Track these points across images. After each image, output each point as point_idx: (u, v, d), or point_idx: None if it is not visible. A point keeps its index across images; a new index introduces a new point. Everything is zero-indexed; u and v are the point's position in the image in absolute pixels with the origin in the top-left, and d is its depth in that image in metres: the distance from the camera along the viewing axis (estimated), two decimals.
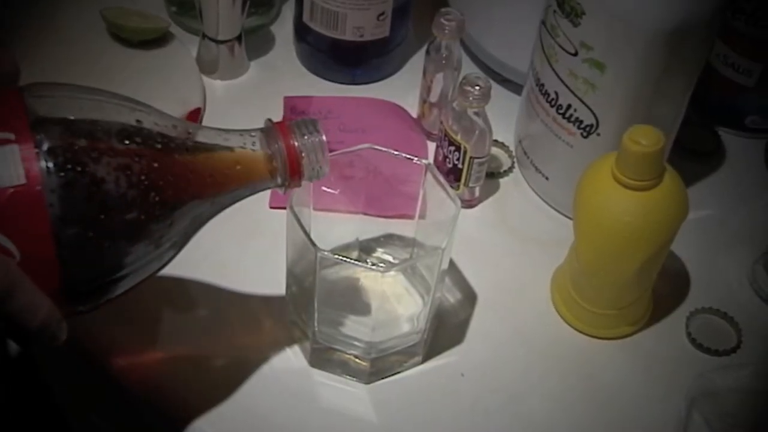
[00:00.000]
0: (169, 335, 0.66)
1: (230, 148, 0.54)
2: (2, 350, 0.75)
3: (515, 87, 0.82)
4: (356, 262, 0.61)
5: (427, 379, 0.65)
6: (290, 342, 0.66)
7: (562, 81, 0.70)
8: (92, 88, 0.52)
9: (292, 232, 0.61)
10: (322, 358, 0.64)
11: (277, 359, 0.65)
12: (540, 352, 0.68)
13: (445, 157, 0.73)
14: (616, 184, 0.63)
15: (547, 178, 0.76)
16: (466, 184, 0.74)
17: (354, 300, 0.64)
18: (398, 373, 0.65)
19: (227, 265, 0.69)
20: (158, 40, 0.83)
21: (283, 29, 0.87)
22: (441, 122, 0.73)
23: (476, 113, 0.71)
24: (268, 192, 0.56)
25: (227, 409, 0.62)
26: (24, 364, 0.77)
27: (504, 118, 0.78)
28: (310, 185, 0.61)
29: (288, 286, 0.65)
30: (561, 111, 0.71)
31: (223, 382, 0.63)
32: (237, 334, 0.66)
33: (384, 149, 0.63)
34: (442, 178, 0.63)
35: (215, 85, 0.82)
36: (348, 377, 0.65)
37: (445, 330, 0.68)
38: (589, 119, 0.70)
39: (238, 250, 0.70)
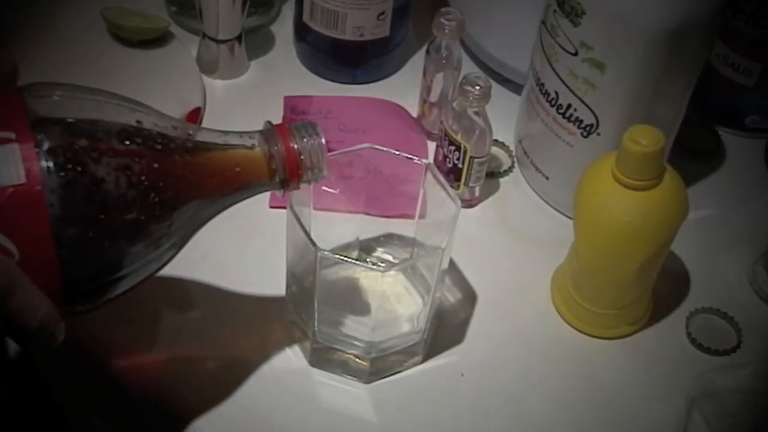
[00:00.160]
0: (169, 335, 0.66)
1: (230, 150, 0.54)
2: (2, 350, 0.75)
3: (515, 87, 0.82)
4: (356, 262, 0.61)
5: (427, 379, 0.65)
6: (290, 342, 0.66)
7: (562, 81, 0.70)
8: (92, 89, 0.52)
9: (292, 231, 0.61)
10: (322, 357, 0.64)
11: (277, 359, 0.65)
12: (540, 351, 0.68)
13: (445, 156, 0.73)
14: (616, 184, 0.63)
15: (547, 178, 0.76)
16: (466, 184, 0.74)
17: (354, 300, 0.64)
18: (398, 372, 0.65)
19: (227, 266, 0.69)
20: (158, 40, 0.83)
21: (283, 29, 0.87)
22: (441, 122, 0.73)
23: (476, 113, 0.71)
24: (268, 192, 0.56)
25: (227, 409, 0.62)
26: (24, 364, 0.77)
27: (504, 117, 0.78)
28: (310, 185, 0.61)
29: (288, 286, 0.65)
30: (561, 111, 0.71)
31: (223, 382, 0.63)
32: (237, 334, 0.66)
33: (384, 149, 0.63)
34: (442, 178, 0.63)
35: (215, 85, 0.82)
36: (348, 377, 0.65)
37: (445, 330, 0.68)
38: (589, 119, 0.70)
39: (238, 250, 0.70)
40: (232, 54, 0.82)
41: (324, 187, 0.63)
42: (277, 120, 0.78)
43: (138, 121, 0.51)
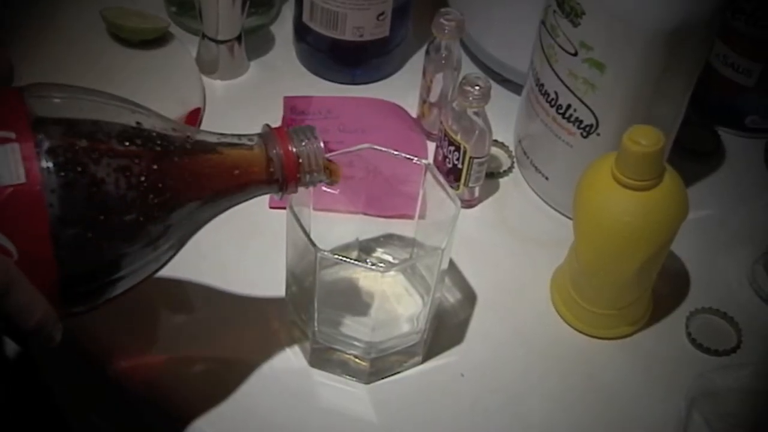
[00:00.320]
0: (169, 335, 0.66)
1: (228, 153, 0.54)
2: (1, 350, 0.75)
3: (515, 87, 0.82)
4: (356, 262, 0.61)
5: (427, 379, 0.65)
6: (290, 342, 0.66)
7: (562, 81, 0.70)
8: (93, 90, 0.52)
9: (292, 232, 0.61)
10: (322, 358, 0.64)
11: (277, 359, 0.65)
12: (540, 352, 0.68)
13: (445, 157, 0.73)
14: (616, 184, 0.63)
15: (546, 178, 0.76)
16: (465, 184, 0.74)
17: (354, 300, 0.64)
18: (398, 373, 0.65)
19: (227, 266, 0.69)
20: (158, 40, 0.83)
21: (283, 29, 0.87)
22: (441, 122, 0.73)
23: (476, 113, 0.71)
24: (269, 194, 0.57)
25: (227, 409, 0.62)
26: (24, 365, 0.77)
27: (504, 118, 0.78)
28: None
29: (288, 286, 0.65)
30: (561, 111, 0.71)
31: (223, 382, 0.63)
32: (237, 334, 0.66)
33: (384, 149, 0.63)
34: (441, 178, 0.63)
35: (215, 85, 0.82)
36: (348, 377, 0.65)
37: (444, 330, 0.68)
38: (588, 119, 0.70)
39: (238, 250, 0.70)
40: (231, 54, 0.82)
41: (324, 188, 0.63)
42: (276, 121, 0.78)
43: (138, 123, 0.51)
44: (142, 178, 0.50)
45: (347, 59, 0.83)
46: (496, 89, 0.77)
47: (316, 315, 0.62)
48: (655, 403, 0.66)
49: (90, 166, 0.48)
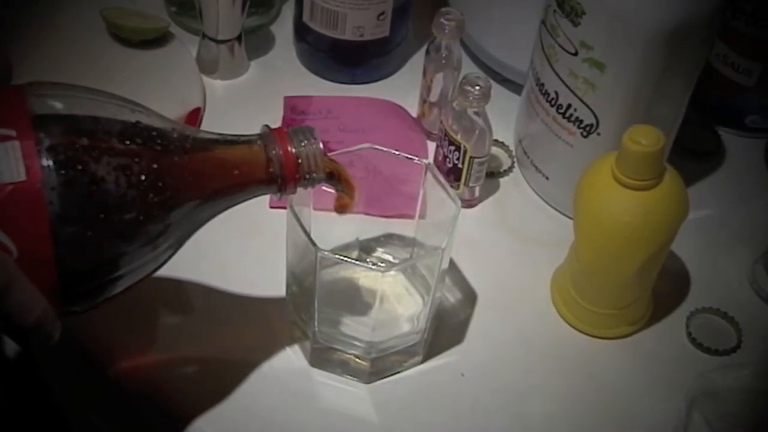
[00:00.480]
0: (169, 335, 0.66)
1: (228, 153, 0.54)
2: (1, 350, 0.75)
3: (515, 87, 0.82)
4: (356, 262, 0.61)
5: (428, 379, 0.65)
6: (290, 342, 0.66)
7: (562, 81, 0.70)
8: (93, 89, 0.53)
9: (292, 232, 0.61)
10: (323, 357, 0.64)
11: (278, 359, 0.65)
12: (540, 351, 0.68)
13: (445, 156, 0.73)
14: (616, 184, 0.63)
15: (547, 178, 0.76)
16: (466, 184, 0.74)
17: (354, 300, 0.64)
18: (398, 372, 0.65)
19: (227, 266, 0.69)
20: (158, 40, 0.83)
21: (283, 29, 0.87)
22: (441, 122, 0.73)
23: (476, 113, 0.71)
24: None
25: (227, 409, 0.62)
26: (24, 364, 0.77)
27: (504, 117, 0.78)
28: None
29: (288, 286, 0.65)
30: (561, 111, 0.71)
31: (223, 382, 0.63)
32: (237, 334, 0.66)
33: (384, 149, 0.63)
34: (442, 178, 0.63)
35: (215, 85, 0.82)
36: (348, 377, 0.65)
37: (445, 330, 0.68)
38: (589, 119, 0.70)
39: (238, 250, 0.70)
40: (232, 54, 0.82)
41: (324, 187, 0.63)
42: (276, 121, 0.78)
43: (138, 122, 0.51)
44: (142, 177, 0.50)
45: (347, 59, 0.83)
46: (497, 89, 0.77)
47: (316, 315, 0.62)
48: (656, 403, 0.66)
49: (90, 164, 0.49)
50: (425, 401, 0.64)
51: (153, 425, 0.65)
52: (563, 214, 0.75)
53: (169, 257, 0.54)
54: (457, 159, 0.72)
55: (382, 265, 0.68)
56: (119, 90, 0.54)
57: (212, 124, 0.75)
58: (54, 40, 0.81)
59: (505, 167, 0.79)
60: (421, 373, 0.66)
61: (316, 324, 0.62)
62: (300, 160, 0.55)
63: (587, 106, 0.69)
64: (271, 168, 0.54)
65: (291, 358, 0.65)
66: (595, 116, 0.69)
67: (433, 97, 0.78)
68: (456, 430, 0.64)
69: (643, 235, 0.63)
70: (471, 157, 0.72)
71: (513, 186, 0.78)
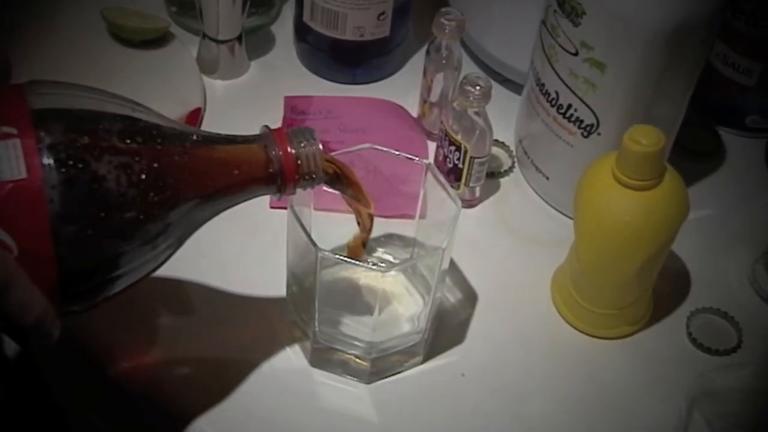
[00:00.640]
0: (169, 335, 0.66)
1: (228, 153, 0.54)
2: (1, 350, 0.75)
3: (515, 87, 0.82)
4: (357, 262, 0.61)
5: (428, 379, 0.65)
6: (291, 342, 0.66)
7: (563, 81, 0.70)
8: (94, 88, 0.53)
9: (292, 232, 0.61)
10: (323, 357, 0.64)
11: (278, 359, 0.65)
12: (540, 352, 0.68)
13: (446, 156, 0.73)
14: (617, 184, 0.63)
15: (547, 178, 0.76)
16: (466, 184, 0.74)
17: (354, 300, 0.64)
18: (399, 373, 0.65)
19: (228, 265, 0.69)
20: (158, 40, 0.83)
21: (284, 29, 0.87)
22: (441, 122, 0.73)
23: (477, 113, 0.71)
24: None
25: (227, 409, 0.62)
26: (24, 365, 0.77)
27: (504, 117, 0.78)
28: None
29: (288, 286, 0.65)
30: (561, 111, 0.71)
31: (223, 381, 0.63)
32: (237, 333, 0.66)
33: (384, 149, 0.63)
34: (442, 178, 0.63)
35: (215, 85, 0.82)
36: (348, 377, 0.65)
37: (445, 330, 0.68)
38: (589, 119, 0.70)
39: (238, 250, 0.70)
40: (232, 54, 0.82)
41: (324, 187, 0.63)
42: (277, 121, 0.78)
43: (139, 121, 0.51)
44: (143, 176, 0.50)
45: (348, 59, 0.83)
46: (497, 89, 0.77)
47: (316, 315, 0.62)
48: (656, 403, 0.66)
49: (91, 162, 0.49)
50: (426, 401, 0.64)
51: (153, 425, 0.65)
52: (563, 214, 0.75)
53: (169, 257, 0.54)
54: (458, 159, 0.72)
55: (383, 265, 0.68)
56: (119, 90, 0.54)
57: (213, 124, 0.76)
58: (54, 40, 0.81)
59: (505, 167, 0.79)
60: (422, 374, 0.66)
61: (316, 324, 0.62)
62: (299, 161, 0.55)
63: (588, 106, 0.69)
64: (270, 168, 0.55)
65: (291, 358, 0.65)
66: (596, 116, 0.69)
67: (434, 97, 0.78)
68: (456, 430, 0.64)
69: (643, 235, 0.63)
70: (471, 157, 0.72)
71: (513, 186, 0.78)
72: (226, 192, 0.54)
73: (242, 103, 0.81)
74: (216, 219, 0.56)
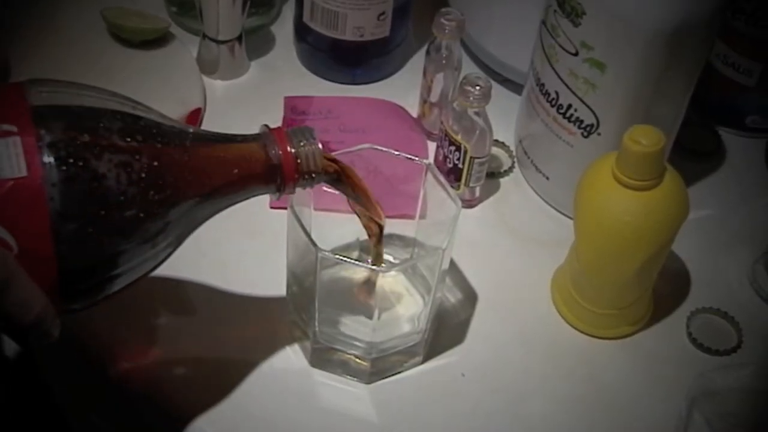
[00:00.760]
0: (169, 335, 0.66)
1: (228, 152, 0.54)
2: (1, 350, 0.75)
3: (515, 87, 0.82)
4: (357, 262, 0.61)
5: (428, 379, 0.65)
6: (291, 342, 0.66)
7: (563, 81, 0.70)
8: (94, 86, 0.53)
9: (292, 232, 0.61)
10: (323, 358, 0.64)
11: (278, 359, 0.65)
12: (541, 352, 0.68)
13: (446, 156, 0.73)
14: (617, 184, 0.63)
15: (547, 178, 0.76)
16: (466, 184, 0.74)
17: (355, 300, 0.64)
18: (399, 373, 0.65)
19: (228, 265, 0.69)
20: (158, 40, 0.83)
21: (284, 29, 0.87)
22: (441, 122, 0.73)
23: (477, 113, 0.71)
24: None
25: (227, 408, 0.62)
26: (24, 364, 0.77)
27: (504, 117, 0.78)
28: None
29: (288, 286, 0.65)
30: (561, 111, 0.71)
31: (223, 381, 0.63)
32: (237, 333, 0.66)
33: (384, 149, 0.63)
34: (442, 178, 0.63)
35: (215, 85, 0.82)
36: (349, 377, 0.65)
37: (445, 330, 0.68)
38: (589, 119, 0.70)
39: (238, 250, 0.70)
40: (232, 54, 0.82)
41: (324, 187, 0.63)
42: (276, 121, 0.78)
43: (139, 119, 0.51)
44: (143, 174, 0.50)
45: (348, 59, 0.83)
46: (497, 89, 0.77)
47: (316, 315, 0.62)
48: (656, 403, 0.66)
49: (91, 160, 0.49)
50: (426, 401, 0.64)
51: (153, 425, 0.65)
52: (564, 214, 0.75)
53: (168, 255, 0.54)
54: (458, 159, 0.72)
55: (383, 265, 0.68)
56: (119, 90, 0.54)
57: (213, 125, 0.75)
58: (54, 40, 0.81)
59: (505, 167, 0.79)
60: (422, 374, 0.66)
61: (316, 324, 0.62)
62: (299, 160, 0.55)
63: (587, 106, 0.69)
64: (270, 168, 0.55)
65: (291, 358, 0.65)
66: (596, 116, 0.69)
67: (434, 97, 0.78)
68: (456, 430, 0.64)
69: (643, 235, 0.63)
70: (471, 158, 0.72)
71: (513, 186, 0.78)
72: (225, 191, 0.54)
73: (242, 103, 0.81)
74: (216, 219, 0.56)
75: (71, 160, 0.48)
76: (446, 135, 0.72)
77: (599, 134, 0.70)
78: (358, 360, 0.64)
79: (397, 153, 0.63)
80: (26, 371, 0.77)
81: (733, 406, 0.60)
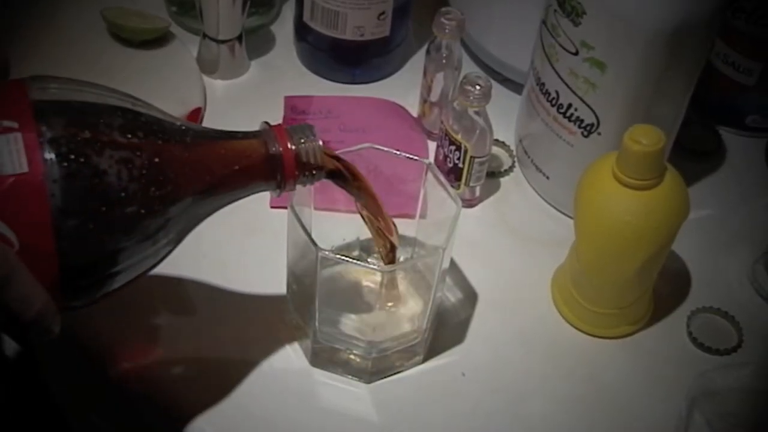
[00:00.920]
0: (169, 335, 0.66)
1: (229, 149, 0.54)
2: (1, 350, 0.75)
3: (516, 86, 0.82)
4: (357, 262, 0.61)
5: (428, 379, 0.65)
6: (291, 341, 0.66)
7: (563, 80, 0.70)
8: (94, 83, 0.53)
9: (293, 231, 0.61)
10: (323, 357, 0.64)
11: (278, 359, 0.65)
12: (541, 351, 0.68)
13: (446, 156, 0.73)
14: (617, 184, 0.63)
15: (547, 178, 0.76)
16: (466, 184, 0.74)
17: (355, 299, 0.64)
18: (399, 372, 0.65)
19: (228, 265, 0.69)
20: (158, 40, 0.83)
21: (284, 29, 0.87)
22: (441, 122, 0.73)
23: (477, 112, 0.71)
24: (268, 192, 0.57)
25: (227, 408, 0.62)
26: (24, 364, 0.77)
27: (504, 117, 0.78)
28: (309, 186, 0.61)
29: (289, 286, 0.65)
30: (562, 110, 0.71)
31: (223, 381, 0.63)
32: (237, 333, 0.66)
33: (384, 149, 0.63)
34: (442, 178, 0.63)
35: (216, 85, 0.82)
36: (349, 377, 0.65)
37: (445, 329, 0.68)
38: (589, 119, 0.70)
39: (238, 249, 0.70)
40: (232, 54, 0.82)
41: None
42: (276, 121, 0.78)
43: (140, 115, 0.51)
44: (144, 171, 0.50)
45: (348, 59, 0.83)
46: (497, 88, 0.77)
47: (317, 314, 0.62)
48: (656, 403, 0.66)
49: (92, 157, 0.49)
50: (426, 401, 0.64)
51: (153, 425, 0.65)
52: (564, 214, 0.75)
53: (168, 253, 0.54)
54: (458, 159, 0.72)
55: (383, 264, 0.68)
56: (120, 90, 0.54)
57: (213, 124, 0.74)
58: (54, 40, 0.81)
59: (505, 167, 0.79)
60: (422, 373, 0.66)
61: (316, 323, 0.62)
62: (299, 157, 0.55)
63: (588, 105, 0.69)
64: (270, 164, 0.55)
65: (291, 357, 0.65)
66: (596, 116, 0.69)
67: (434, 96, 0.78)
68: (456, 430, 0.64)
69: (643, 235, 0.63)
70: (471, 157, 0.72)
71: (514, 186, 0.78)
72: (226, 187, 0.54)
73: (242, 103, 0.81)
74: (216, 218, 0.56)
75: (72, 157, 0.48)
76: (446, 134, 0.72)
77: (599, 134, 0.70)
78: (358, 359, 0.64)
79: (397, 152, 0.63)
80: (26, 371, 0.77)
81: (733, 406, 0.60)
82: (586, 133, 0.70)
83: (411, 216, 0.67)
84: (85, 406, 0.73)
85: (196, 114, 0.78)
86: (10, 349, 0.76)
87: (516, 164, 0.79)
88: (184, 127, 0.53)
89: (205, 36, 0.81)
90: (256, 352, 0.65)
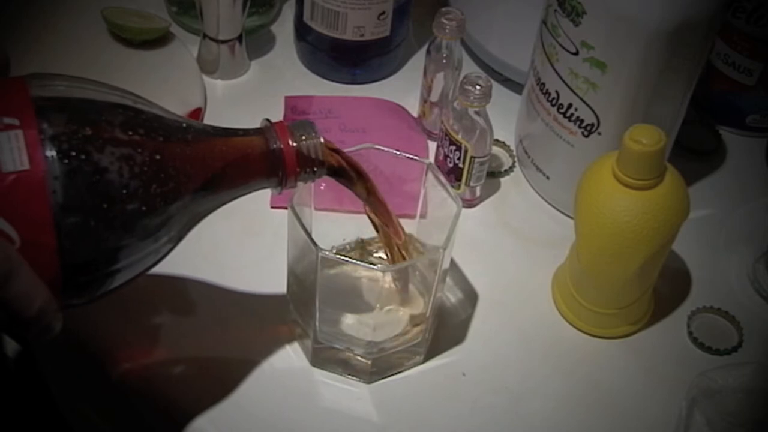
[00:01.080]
0: (169, 335, 0.66)
1: (230, 146, 0.54)
2: (1, 350, 0.75)
3: (516, 86, 0.82)
4: (357, 262, 0.61)
5: (429, 379, 0.65)
6: (291, 341, 0.66)
7: (563, 80, 0.70)
8: (95, 81, 0.53)
9: (293, 231, 0.61)
10: (324, 357, 0.64)
11: (278, 358, 0.65)
12: (541, 351, 0.68)
13: (446, 156, 0.73)
14: (617, 184, 0.63)
15: (548, 178, 0.76)
16: (467, 184, 0.74)
17: (355, 299, 0.64)
18: (399, 372, 0.65)
19: (228, 265, 0.69)
20: (159, 40, 0.82)
21: (284, 29, 0.87)
22: (442, 122, 0.73)
23: (477, 112, 0.71)
24: (268, 192, 0.57)
25: (228, 408, 0.62)
26: (24, 364, 0.77)
27: (505, 117, 0.78)
28: (311, 184, 0.61)
29: (289, 286, 0.65)
30: (562, 110, 0.71)
31: (223, 381, 0.63)
32: (238, 333, 0.66)
33: (385, 149, 0.63)
34: (443, 178, 0.63)
35: (216, 85, 0.82)
36: (349, 376, 0.65)
37: (446, 329, 0.68)
38: (589, 118, 0.70)
39: (239, 249, 0.70)
40: (232, 54, 0.82)
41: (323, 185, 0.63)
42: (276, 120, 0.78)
43: (141, 113, 0.51)
44: (145, 168, 0.50)
45: (348, 59, 0.83)
46: (497, 88, 0.77)
47: (317, 314, 0.62)
48: (657, 403, 0.66)
49: (93, 154, 0.48)
50: (426, 401, 0.64)
51: (153, 425, 0.65)
52: (564, 214, 0.75)
53: (169, 251, 0.54)
54: (458, 159, 0.72)
55: (384, 264, 0.68)
56: None
57: (213, 124, 0.75)
58: (54, 40, 0.81)
59: (505, 167, 0.79)
60: (422, 373, 0.66)
61: (317, 323, 0.62)
62: (300, 153, 0.55)
63: (588, 105, 0.69)
64: (271, 160, 0.55)
65: (292, 357, 0.65)
66: (596, 116, 0.69)
67: (434, 96, 0.78)
68: (457, 430, 0.64)
69: (644, 235, 0.63)
70: (472, 157, 0.72)
71: (514, 186, 0.78)
72: (227, 184, 0.54)
73: (242, 103, 0.81)
74: (216, 218, 0.56)
75: (73, 153, 0.48)
76: (447, 134, 0.72)
77: (599, 134, 0.70)
78: (358, 359, 0.64)
79: (397, 152, 0.63)
80: (26, 371, 0.77)
81: (733, 405, 0.60)
82: (586, 133, 0.70)
83: (411, 216, 0.67)
84: (85, 406, 0.73)
85: (197, 114, 0.78)
86: (10, 349, 0.76)
87: (516, 164, 0.79)
88: (185, 125, 0.53)
89: (205, 36, 0.81)
90: (257, 352, 0.65)
